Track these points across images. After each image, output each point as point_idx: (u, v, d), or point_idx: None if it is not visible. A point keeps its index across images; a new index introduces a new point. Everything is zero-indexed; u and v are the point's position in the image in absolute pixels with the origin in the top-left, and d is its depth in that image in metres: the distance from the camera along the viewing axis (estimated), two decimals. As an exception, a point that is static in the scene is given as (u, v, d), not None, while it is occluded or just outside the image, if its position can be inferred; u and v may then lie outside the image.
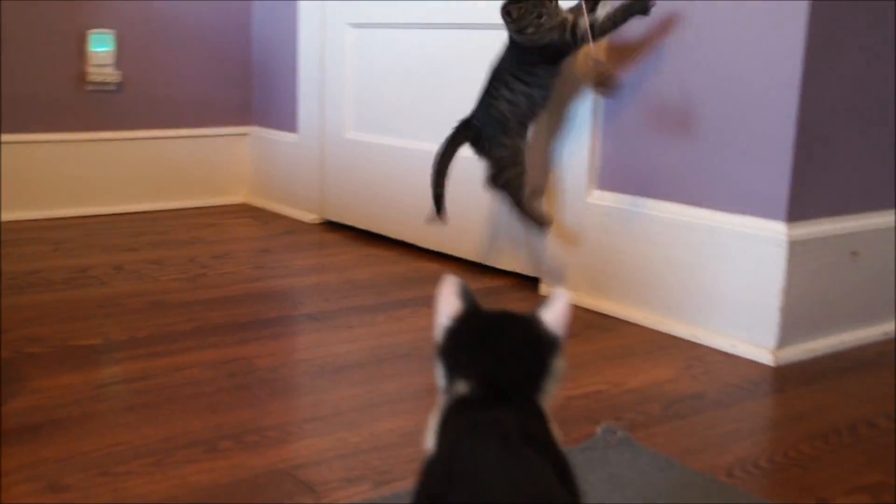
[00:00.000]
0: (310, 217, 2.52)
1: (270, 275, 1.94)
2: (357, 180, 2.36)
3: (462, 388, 0.70)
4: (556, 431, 0.71)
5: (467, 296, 0.75)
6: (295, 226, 2.45)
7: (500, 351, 0.71)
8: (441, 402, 0.72)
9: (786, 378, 1.41)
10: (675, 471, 1.07)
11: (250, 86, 2.77)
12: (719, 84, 1.54)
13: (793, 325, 1.48)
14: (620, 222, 1.70)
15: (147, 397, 1.26)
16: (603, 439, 1.14)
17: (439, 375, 0.74)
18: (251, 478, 1.04)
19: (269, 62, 2.69)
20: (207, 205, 2.69)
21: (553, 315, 0.72)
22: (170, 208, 2.62)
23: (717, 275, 1.55)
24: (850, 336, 1.56)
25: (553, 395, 0.72)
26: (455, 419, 0.68)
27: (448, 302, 0.75)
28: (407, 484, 1.02)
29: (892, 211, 1.62)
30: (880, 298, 1.60)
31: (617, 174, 1.73)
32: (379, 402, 1.27)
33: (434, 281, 1.86)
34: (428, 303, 1.73)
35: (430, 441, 0.69)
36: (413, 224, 2.17)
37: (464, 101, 2.08)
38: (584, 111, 1.74)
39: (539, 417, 0.70)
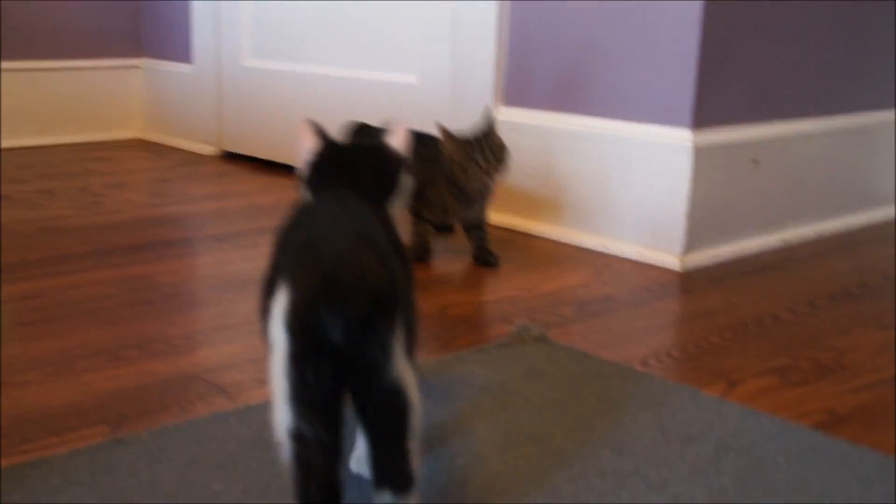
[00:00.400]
0: (208, 150, 2.44)
1: (170, 202, 1.87)
2: (256, 109, 2.29)
3: None
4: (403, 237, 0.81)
5: (323, 133, 0.84)
6: (193, 158, 2.38)
7: (357, 170, 0.83)
8: None
9: (693, 281, 1.43)
10: (592, 362, 1.08)
11: (138, 15, 2.65)
12: (623, -8, 1.54)
13: (698, 231, 1.51)
14: (527, 137, 1.69)
15: (43, 313, 1.20)
16: (519, 336, 1.14)
17: None
18: (160, 382, 1.00)
19: (160, -10, 2.58)
20: (98, 140, 2.58)
21: (397, 140, 0.85)
22: (58, 143, 2.51)
23: (624, 185, 1.56)
24: (751, 243, 1.59)
25: (400, 208, 0.86)
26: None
27: (307, 139, 0.84)
28: (323, 382, 1.00)
29: (792, 121, 1.65)
30: (779, 206, 1.64)
31: (522, 90, 1.71)
32: (289, 312, 1.24)
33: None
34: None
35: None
36: (316, 150, 2.12)
37: (359, 22, 2.03)
38: (489, 28, 1.72)
39: (386, 213, 0.81)
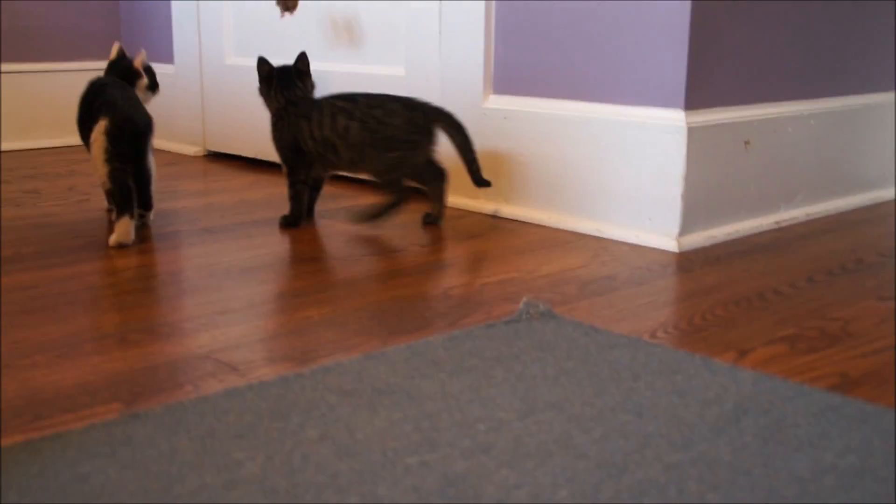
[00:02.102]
0: (192, 150, 2.42)
1: (159, 199, 1.86)
2: (241, 108, 2.28)
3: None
4: None
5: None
6: (177, 158, 2.36)
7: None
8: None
9: (691, 261, 1.44)
10: (601, 335, 1.08)
11: (118, 17, 2.63)
12: (614, -23, 1.54)
13: (693, 212, 1.51)
14: (519, 125, 1.69)
15: (44, 301, 1.18)
16: (526, 312, 1.14)
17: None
18: (169, 363, 0.98)
19: (140, -9, 2.57)
20: (80, 143, 2.56)
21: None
22: (40, 147, 2.48)
23: (619, 168, 1.56)
24: (746, 224, 1.60)
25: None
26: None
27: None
28: (332, 360, 0.99)
29: (783, 103, 1.66)
30: (772, 188, 1.65)
31: (512, 77, 1.72)
32: (291, 295, 1.23)
33: (331, 198, 1.81)
34: (325, 215, 1.69)
35: None
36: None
37: (345, 16, 2.03)
38: (477, 18, 1.72)
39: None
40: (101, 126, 1.46)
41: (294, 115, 1.61)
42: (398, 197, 1.58)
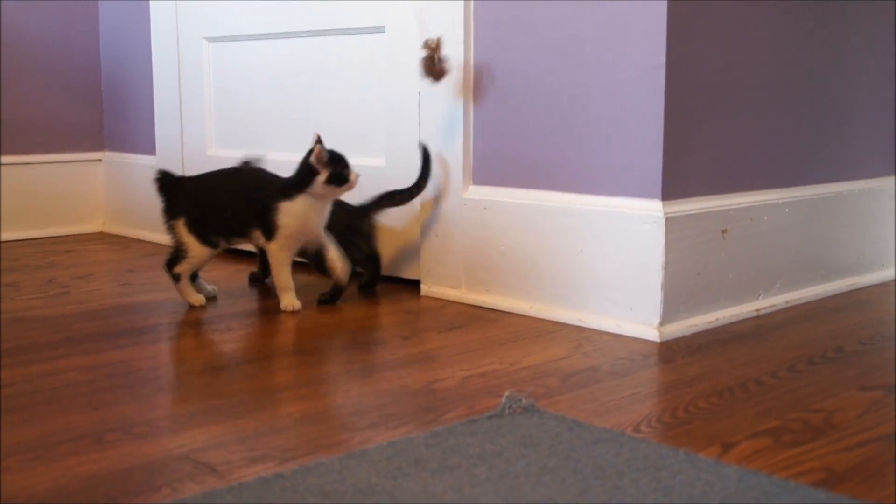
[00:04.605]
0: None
1: (139, 290, 1.85)
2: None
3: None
4: None
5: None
6: (158, 249, 2.35)
7: None
8: None
9: (672, 350, 1.44)
10: (585, 430, 1.07)
11: (100, 109, 2.66)
12: (585, 69, 1.57)
13: (674, 301, 1.52)
14: (498, 215, 1.70)
15: (19, 400, 1.17)
16: (508, 406, 1.13)
17: None
18: (146, 464, 0.97)
19: (121, 84, 2.59)
20: (61, 234, 2.56)
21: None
22: (19, 238, 2.47)
23: (598, 258, 1.57)
24: (726, 312, 1.61)
25: None
26: None
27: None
28: (313, 458, 0.98)
29: (760, 191, 1.69)
30: (750, 276, 1.66)
31: (491, 168, 1.74)
32: (272, 391, 1.22)
33: (310, 288, 1.80)
34: (307, 306, 1.69)
35: None
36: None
37: (325, 109, 2.06)
38: (455, 109, 1.75)
39: None
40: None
41: None
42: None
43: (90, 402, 1.16)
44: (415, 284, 1.87)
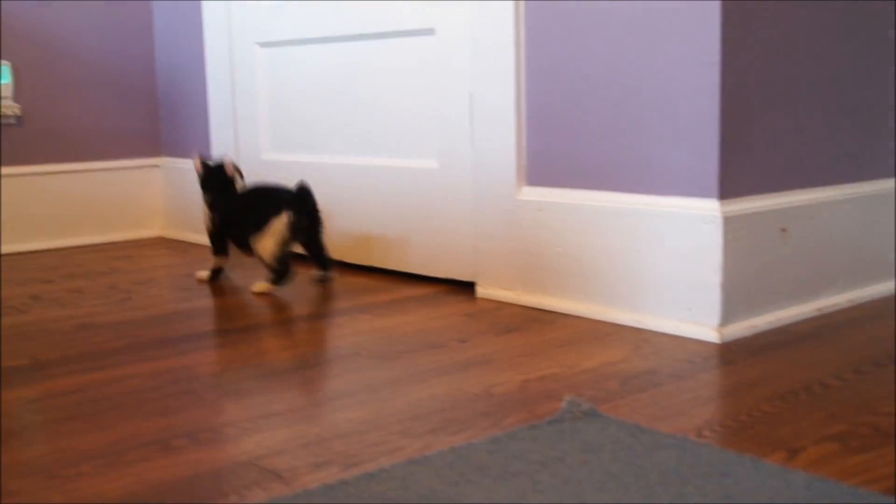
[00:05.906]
0: (230, 244, 2.45)
1: (199, 295, 1.88)
2: (278, 202, 2.31)
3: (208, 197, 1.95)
4: None
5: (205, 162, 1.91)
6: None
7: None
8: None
9: (733, 352, 1.42)
10: (647, 435, 1.06)
11: (157, 116, 2.70)
12: (639, 68, 1.56)
13: (733, 302, 1.50)
14: (552, 217, 1.70)
15: (88, 407, 1.19)
16: (569, 411, 1.13)
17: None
18: (213, 471, 0.98)
19: (177, 90, 2.64)
20: (121, 240, 2.60)
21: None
22: (81, 244, 2.53)
23: (655, 259, 1.56)
24: (787, 312, 1.59)
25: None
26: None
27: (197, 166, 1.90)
28: (376, 464, 0.99)
29: (819, 188, 1.66)
30: (811, 275, 1.64)
31: (545, 169, 1.73)
32: (333, 397, 1.23)
33: (367, 292, 1.82)
34: (364, 310, 1.70)
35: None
36: (339, 240, 2.13)
37: (377, 111, 2.07)
38: (507, 109, 1.75)
39: None
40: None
41: None
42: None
43: (156, 409, 1.18)
44: (468, 287, 1.87)
